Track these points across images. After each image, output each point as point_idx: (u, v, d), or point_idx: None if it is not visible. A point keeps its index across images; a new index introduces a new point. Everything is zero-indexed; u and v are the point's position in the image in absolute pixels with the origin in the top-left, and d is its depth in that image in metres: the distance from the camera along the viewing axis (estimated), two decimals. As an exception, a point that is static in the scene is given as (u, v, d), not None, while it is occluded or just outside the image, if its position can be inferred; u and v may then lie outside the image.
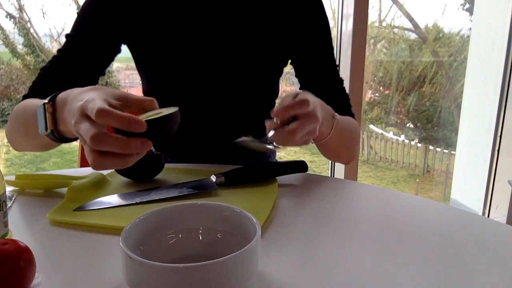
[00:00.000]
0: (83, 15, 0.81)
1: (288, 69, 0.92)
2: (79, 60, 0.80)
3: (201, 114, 0.87)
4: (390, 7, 4.29)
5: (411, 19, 4.02)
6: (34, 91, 0.78)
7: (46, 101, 0.56)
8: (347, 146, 0.82)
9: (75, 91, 0.53)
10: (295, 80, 0.91)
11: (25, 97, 0.78)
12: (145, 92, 0.93)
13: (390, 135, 4.43)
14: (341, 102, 0.86)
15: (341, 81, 0.89)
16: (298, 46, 0.86)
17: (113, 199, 0.61)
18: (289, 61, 0.90)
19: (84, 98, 0.48)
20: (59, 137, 0.58)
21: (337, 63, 0.93)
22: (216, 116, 0.88)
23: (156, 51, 0.84)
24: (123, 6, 0.81)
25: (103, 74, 0.85)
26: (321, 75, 0.87)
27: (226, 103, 0.87)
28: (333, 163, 2.00)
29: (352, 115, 0.86)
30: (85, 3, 0.82)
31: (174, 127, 0.49)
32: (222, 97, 0.86)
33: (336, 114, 0.71)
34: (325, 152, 0.81)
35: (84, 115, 0.46)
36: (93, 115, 0.44)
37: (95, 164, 0.46)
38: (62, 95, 0.56)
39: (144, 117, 0.47)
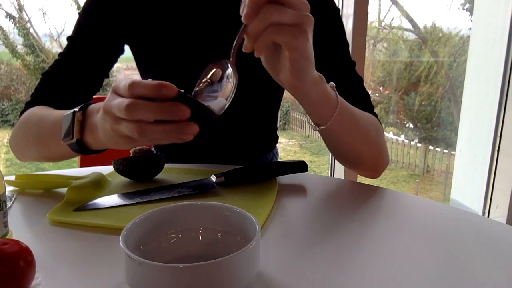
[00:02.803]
0: (85, 15, 0.80)
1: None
2: (83, 63, 0.79)
3: None
4: (390, 7, 4.29)
5: (410, 20, 4.03)
6: (37, 98, 0.77)
7: (76, 109, 0.57)
8: (365, 139, 0.70)
9: None
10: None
11: (28, 104, 0.77)
12: None
13: (390, 135, 4.43)
14: (361, 101, 0.75)
15: (359, 78, 0.80)
16: None
17: (113, 199, 0.61)
18: None
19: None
20: (82, 147, 0.58)
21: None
22: (218, 118, 0.88)
23: (159, 51, 0.83)
24: (125, 5, 0.80)
25: (107, 76, 0.85)
26: (335, 73, 0.75)
27: (228, 105, 0.86)
28: (333, 163, 1.99)
29: (375, 115, 0.76)
30: (86, 3, 0.81)
31: (210, 119, 0.50)
32: None
33: (340, 97, 0.62)
34: (340, 149, 0.70)
35: (116, 93, 0.47)
36: (126, 90, 0.45)
37: (139, 131, 0.45)
38: (95, 104, 0.57)
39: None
